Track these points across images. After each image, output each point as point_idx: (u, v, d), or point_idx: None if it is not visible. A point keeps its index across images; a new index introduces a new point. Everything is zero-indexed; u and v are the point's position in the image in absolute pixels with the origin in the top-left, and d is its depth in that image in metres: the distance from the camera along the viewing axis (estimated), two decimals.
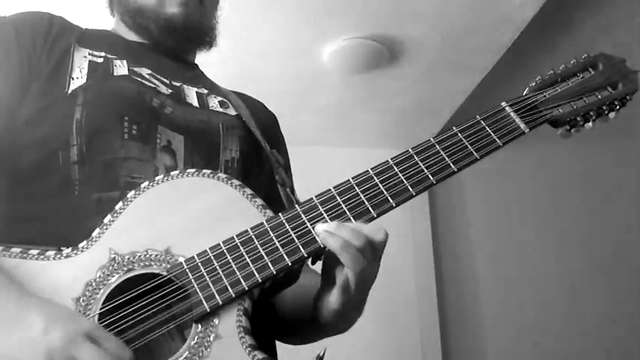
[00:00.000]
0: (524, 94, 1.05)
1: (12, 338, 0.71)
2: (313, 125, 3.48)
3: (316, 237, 0.86)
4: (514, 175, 3.70)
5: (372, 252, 0.87)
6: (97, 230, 0.86)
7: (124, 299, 0.81)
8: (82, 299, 0.81)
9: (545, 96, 1.05)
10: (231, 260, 0.84)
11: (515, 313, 3.45)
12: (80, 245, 0.84)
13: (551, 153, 3.65)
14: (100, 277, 0.82)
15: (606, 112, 1.08)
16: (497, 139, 0.97)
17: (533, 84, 1.07)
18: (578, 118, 1.05)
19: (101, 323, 0.79)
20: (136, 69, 1.05)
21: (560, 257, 3.55)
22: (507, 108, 1.01)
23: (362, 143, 3.67)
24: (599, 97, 1.07)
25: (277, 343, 1.07)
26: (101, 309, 0.80)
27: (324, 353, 0.83)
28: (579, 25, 2.76)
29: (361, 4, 2.52)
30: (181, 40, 1.14)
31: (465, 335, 3.48)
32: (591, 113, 1.06)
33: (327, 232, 0.85)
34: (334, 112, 3.38)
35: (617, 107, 1.09)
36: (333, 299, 0.89)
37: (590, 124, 1.08)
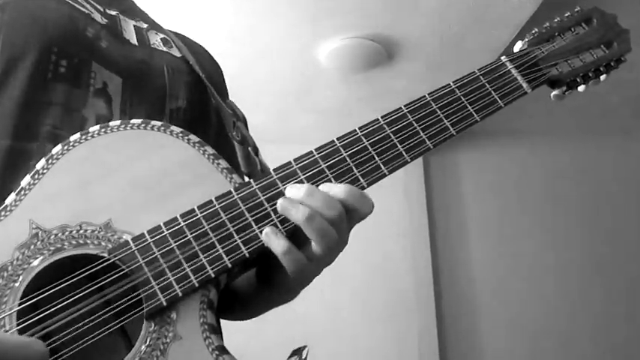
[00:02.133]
0: (519, 47, 0.93)
1: None
2: (312, 125, 3.43)
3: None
4: (513, 173, 3.68)
5: (347, 224, 0.72)
6: (12, 196, 0.65)
7: (51, 290, 0.62)
8: None
9: (542, 52, 0.93)
10: (192, 240, 0.66)
11: (513, 313, 3.47)
12: None
13: (551, 150, 3.64)
14: (18, 259, 0.62)
15: (601, 73, 0.99)
16: (498, 99, 0.84)
17: (531, 37, 0.95)
18: (578, 79, 0.95)
19: (20, 324, 0.60)
20: None
21: (559, 257, 3.58)
22: (508, 63, 0.88)
23: None
24: (595, 56, 0.98)
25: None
26: (20, 303, 0.61)
27: (307, 355, 0.67)
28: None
29: (359, 3, 2.46)
30: None
31: (462, 335, 3.48)
32: (589, 74, 0.97)
33: (288, 200, 0.68)
34: (333, 111, 3.34)
35: (612, 68, 1.00)
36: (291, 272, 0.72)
37: (584, 86, 0.99)
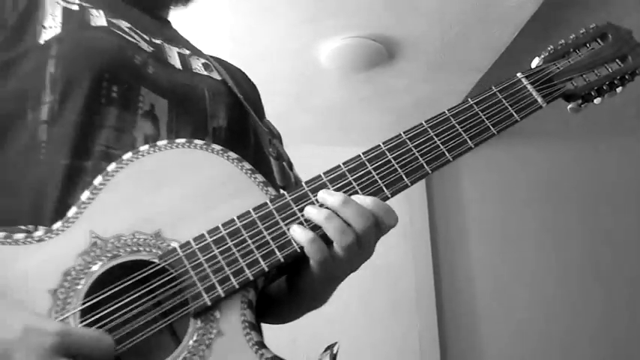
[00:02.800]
0: (535, 65, 0.99)
1: None
2: (312, 124, 3.47)
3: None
4: (514, 175, 3.71)
5: (375, 235, 0.79)
6: (74, 209, 0.73)
7: (108, 292, 0.70)
8: (59, 292, 0.69)
9: (558, 68, 0.99)
10: (232, 246, 0.74)
11: (514, 314, 3.48)
12: (54, 227, 0.72)
13: (551, 151, 3.68)
14: (79, 264, 0.70)
15: (616, 86, 1.04)
16: (514, 114, 0.90)
17: (546, 54, 1.01)
18: (592, 92, 1.00)
19: (82, 322, 0.68)
20: (114, 21, 0.91)
21: (559, 256, 3.59)
22: (524, 80, 0.94)
23: (361, 142, 3.57)
24: (610, 70, 1.03)
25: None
26: (82, 303, 0.69)
27: (337, 350, 0.74)
28: (577, 25, 2.74)
29: (360, 3, 2.50)
30: None
31: (463, 334, 3.51)
32: (604, 87, 1.01)
33: (316, 211, 0.76)
34: (333, 111, 3.37)
35: (627, 81, 1.05)
36: (317, 269, 0.79)
37: (600, 99, 1.04)
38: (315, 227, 0.77)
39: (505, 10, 2.54)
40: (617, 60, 1.04)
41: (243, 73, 1.14)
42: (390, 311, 3.40)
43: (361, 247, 0.78)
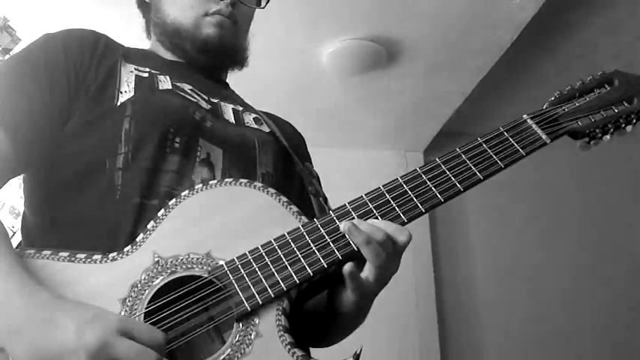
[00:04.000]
0: (543, 107, 1.10)
1: (47, 341, 0.73)
2: (312, 126, 3.30)
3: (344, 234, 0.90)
4: (515, 177, 3.71)
5: (393, 248, 0.92)
6: (141, 235, 0.90)
7: (167, 300, 0.85)
8: (128, 300, 0.84)
9: (564, 110, 1.09)
10: (269, 262, 0.88)
11: (514, 316, 3.44)
12: (125, 249, 0.88)
13: (553, 153, 3.65)
14: (144, 279, 0.86)
15: (623, 125, 1.13)
16: (520, 149, 1.01)
17: (553, 98, 1.11)
18: (597, 130, 1.10)
19: (147, 322, 0.83)
20: (178, 84, 1.10)
21: (558, 258, 3.54)
22: (529, 120, 1.05)
23: (361, 144, 3.66)
24: (616, 110, 1.11)
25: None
26: (146, 309, 0.84)
27: (360, 350, 0.86)
28: (578, 26, 2.76)
29: (359, 5, 2.51)
30: (216, 59, 1.20)
31: (463, 336, 3.48)
32: (609, 126, 1.10)
33: (352, 224, 0.90)
34: (333, 113, 3.35)
35: (634, 120, 1.13)
36: (350, 292, 0.93)
37: (608, 136, 1.12)
38: (341, 248, 0.90)
39: (505, 12, 2.52)
40: (623, 101, 1.13)
41: (291, 125, 1.31)
42: (390, 313, 3.37)
43: (389, 260, 0.92)
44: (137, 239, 0.90)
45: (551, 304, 3.46)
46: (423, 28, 2.65)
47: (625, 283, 3.45)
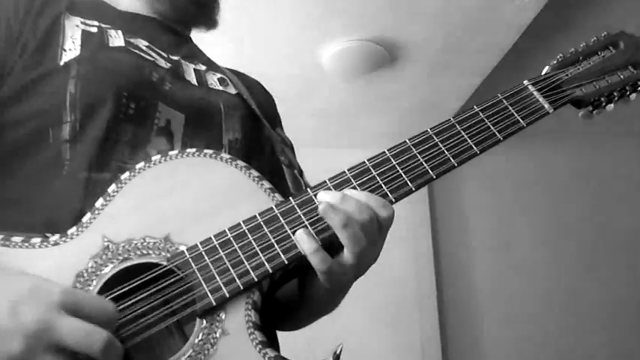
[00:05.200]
0: (544, 72, 0.99)
1: None
2: (314, 127, 3.47)
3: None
4: (516, 177, 3.68)
5: (377, 230, 0.80)
6: (88, 215, 0.77)
7: (119, 292, 0.73)
8: None
9: (567, 75, 0.99)
10: (238, 249, 0.76)
11: (516, 317, 3.44)
12: (69, 232, 0.76)
13: (551, 152, 3.63)
14: (92, 267, 0.74)
15: (628, 92, 1.03)
16: (520, 120, 0.91)
17: (555, 62, 1.01)
18: (602, 99, 1.00)
19: None
20: (132, 40, 0.96)
21: (560, 258, 3.54)
22: (530, 87, 0.94)
23: (363, 145, 3.63)
24: (622, 77, 1.02)
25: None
26: None
27: (340, 350, 0.75)
28: (579, 27, 2.74)
29: (361, 6, 2.50)
30: (182, 13, 1.05)
31: (465, 337, 3.47)
32: (615, 94, 1.01)
33: (328, 204, 0.77)
34: (335, 114, 3.37)
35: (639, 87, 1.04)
36: (323, 279, 0.81)
37: (612, 105, 1.03)
38: (320, 232, 0.79)
39: (507, 14, 2.53)
40: (629, 67, 1.03)
41: (260, 84, 1.18)
42: (391, 315, 3.36)
43: (369, 246, 0.79)
44: (83, 220, 0.77)
45: (552, 303, 3.46)
46: (424, 29, 2.65)
47: (625, 282, 3.45)
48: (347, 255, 0.79)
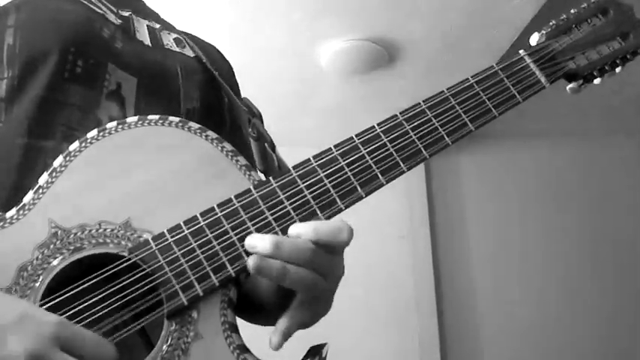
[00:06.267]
0: (536, 40, 0.92)
1: None
2: (313, 127, 3.41)
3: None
4: (515, 175, 3.66)
5: (331, 256, 0.68)
6: (30, 194, 0.64)
7: (71, 291, 0.61)
8: (14, 289, 0.60)
9: (560, 45, 0.93)
10: (212, 238, 0.66)
11: (515, 316, 3.47)
12: (8, 215, 0.63)
13: (552, 152, 3.62)
14: (37, 258, 0.62)
15: (617, 65, 0.99)
16: (517, 94, 0.83)
17: (548, 30, 0.94)
18: (595, 72, 0.95)
19: None
20: None
21: (559, 259, 3.58)
22: (526, 57, 0.87)
23: None
24: (611, 49, 0.97)
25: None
26: (40, 304, 0.60)
27: (327, 353, 0.67)
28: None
29: (360, 5, 2.45)
30: None
31: (463, 337, 3.48)
32: (606, 67, 0.96)
33: (257, 258, 0.63)
34: (334, 113, 3.32)
35: (628, 60, 1.00)
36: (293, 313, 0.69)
37: (599, 79, 0.98)
38: (304, 218, 0.69)
39: (506, 13, 2.53)
40: (618, 38, 0.99)
41: (217, 49, 1.05)
42: (390, 313, 3.37)
43: (326, 279, 0.67)
44: (25, 200, 0.64)
45: (551, 303, 3.49)
46: (423, 28, 2.63)
47: (626, 284, 3.51)
48: (304, 297, 0.68)
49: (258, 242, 0.65)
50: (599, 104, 3.23)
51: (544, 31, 0.93)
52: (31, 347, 0.51)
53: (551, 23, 0.95)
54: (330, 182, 0.71)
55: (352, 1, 2.45)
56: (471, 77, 0.82)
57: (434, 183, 3.59)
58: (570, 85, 0.95)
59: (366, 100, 3.25)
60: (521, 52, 0.87)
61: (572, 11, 0.99)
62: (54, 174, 0.65)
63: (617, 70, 1.00)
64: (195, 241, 0.65)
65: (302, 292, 0.67)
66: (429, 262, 3.52)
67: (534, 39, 0.93)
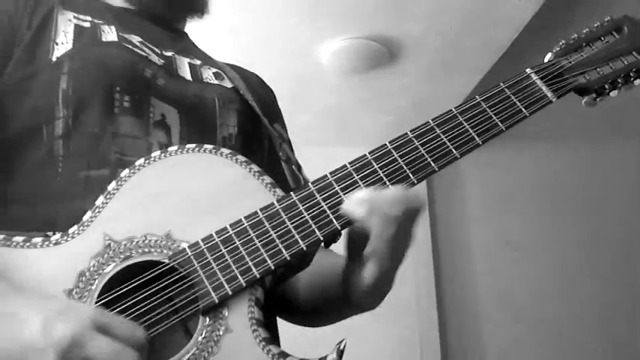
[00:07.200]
0: (547, 59, 0.98)
1: (7, 339, 0.62)
2: (313, 125, 3.47)
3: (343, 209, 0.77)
4: (516, 180, 3.67)
5: (408, 222, 0.78)
6: (89, 214, 0.77)
7: (121, 291, 0.73)
8: (75, 291, 0.72)
9: (570, 62, 0.98)
10: (240, 245, 0.76)
11: (516, 318, 3.44)
12: (70, 231, 0.76)
13: (554, 156, 3.61)
14: (94, 266, 0.74)
15: (632, 78, 1.02)
16: (523, 109, 0.90)
17: (557, 49, 0.99)
18: (606, 86, 0.99)
19: None
20: (125, 35, 0.95)
21: (560, 256, 3.53)
22: (532, 75, 0.93)
23: (362, 143, 3.59)
24: (625, 62, 1.01)
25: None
26: (97, 302, 0.72)
27: (344, 346, 0.75)
28: (579, 24, 2.74)
29: (360, 4, 2.50)
30: (171, 6, 1.04)
31: (464, 335, 3.48)
32: (619, 80, 1.00)
33: (359, 199, 0.76)
34: (334, 112, 3.36)
35: None
36: (367, 274, 0.80)
37: (616, 91, 1.02)
38: (322, 226, 0.78)
39: (506, 11, 2.53)
40: (633, 52, 1.02)
41: (259, 77, 1.17)
42: (391, 315, 3.37)
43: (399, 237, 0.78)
44: (84, 218, 0.77)
45: (552, 300, 3.45)
46: (423, 27, 2.66)
47: (626, 282, 3.45)
48: (382, 245, 0.78)
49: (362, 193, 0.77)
50: (600, 107, 3.13)
51: (554, 50, 0.99)
52: (74, 332, 0.61)
53: (561, 42, 1.00)
54: (345, 195, 0.80)
55: (353, 0, 2.47)
56: (478, 96, 0.90)
57: (435, 183, 3.58)
58: (585, 100, 0.99)
59: (365, 98, 3.24)
60: (527, 70, 0.93)
61: (584, 30, 1.03)
62: (108, 196, 0.78)
63: (636, 82, 1.03)
64: (225, 248, 0.76)
65: (383, 235, 0.76)
66: (430, 259, 3.49)
67: (546, 59, 0.99)
